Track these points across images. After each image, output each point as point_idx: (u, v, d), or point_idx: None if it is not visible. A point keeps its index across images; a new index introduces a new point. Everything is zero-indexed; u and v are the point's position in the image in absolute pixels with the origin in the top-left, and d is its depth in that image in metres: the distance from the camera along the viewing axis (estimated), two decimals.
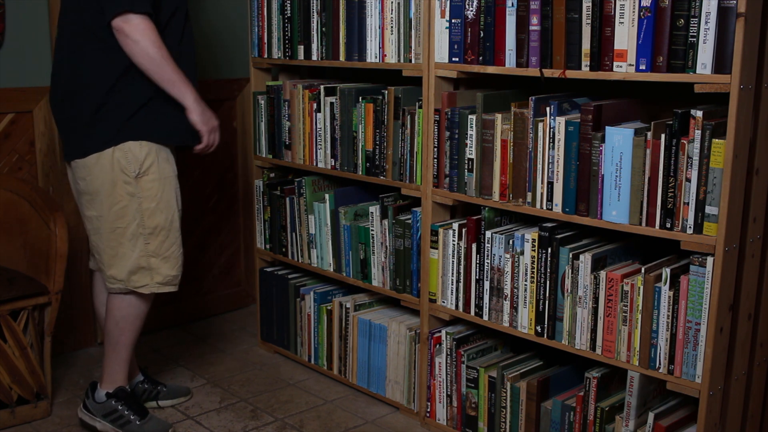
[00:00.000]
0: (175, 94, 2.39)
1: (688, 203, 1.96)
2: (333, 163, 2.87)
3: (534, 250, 2.28)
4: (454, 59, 2.43)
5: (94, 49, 2.35)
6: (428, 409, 2.68)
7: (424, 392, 2.69)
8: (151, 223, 2.46)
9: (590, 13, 2.08)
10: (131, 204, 2.42)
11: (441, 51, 2.46)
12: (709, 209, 1.93)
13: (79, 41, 2.37)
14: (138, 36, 2.28)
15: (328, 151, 2.87)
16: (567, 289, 2.23)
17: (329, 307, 2.99)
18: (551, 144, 2.20)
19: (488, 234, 2.38)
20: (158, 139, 2.44)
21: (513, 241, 2.35)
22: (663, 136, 1.99)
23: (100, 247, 2.50)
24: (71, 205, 2.97)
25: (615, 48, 2.04)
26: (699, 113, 1.92)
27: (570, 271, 2.21)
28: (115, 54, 2.32)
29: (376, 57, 2.67)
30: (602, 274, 2.15)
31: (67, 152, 2.49)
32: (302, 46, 2.93)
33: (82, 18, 2.35)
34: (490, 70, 2.34)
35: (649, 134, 2.01)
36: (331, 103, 2.83)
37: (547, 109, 2.19)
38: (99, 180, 2.41)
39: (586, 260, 2.18)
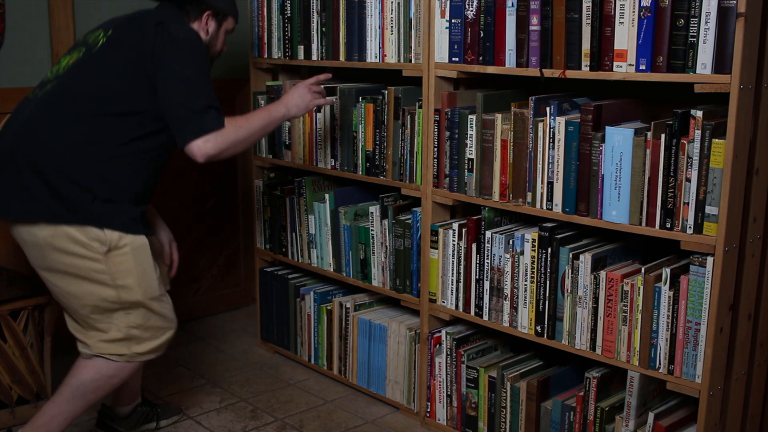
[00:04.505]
0: (272, 129, 2.34)
1: (688, 203, 1.96)
2: (333, 163, 2.87)
3: (534, 250, 2.28)
4: (454, 59, 2.43)
5: (90, 129, 2.10)
6: (428, 409, 2.68)
7: (424, 392, 2.69)
8: (130, 298, 2.18)
9: (590, 13, 2.08)
10: (100, 279, 2.13)
11: (441, 51, 2.46)
12: (709, 209, 1.93)
13: (72, 113, 2.12)
14: (223, 148, 2.13)
15: (328, 151, 2.87)
16: (567, 289, 2.23)
17: (329, 307, 2.99)
18: (551, 144, 2.20)
19: (488, 234, 2.38)
20: (131, 230, 2.15)
21: (513, 241, 2.35)
22: (663, 136, 1.99)
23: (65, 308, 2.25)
24: None
25: (615, 48, 2.04)
26: (699, 113, 1.92)
27: (570, 271, 2.21)
28: (114, 142, 2.10)
29: (376, 57, 2.67)
30: (602, 274, 2.15)
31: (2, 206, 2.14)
32: (302, 46, 2.93)
33: (98, 102, 2.10)
34: (490, 70, 2.34)
35: (649, 134, 2.01)
36: None
37: (547, 109, 2.19)
38: (47, 249, 2.10)
39: (586, 260, 2.18)
